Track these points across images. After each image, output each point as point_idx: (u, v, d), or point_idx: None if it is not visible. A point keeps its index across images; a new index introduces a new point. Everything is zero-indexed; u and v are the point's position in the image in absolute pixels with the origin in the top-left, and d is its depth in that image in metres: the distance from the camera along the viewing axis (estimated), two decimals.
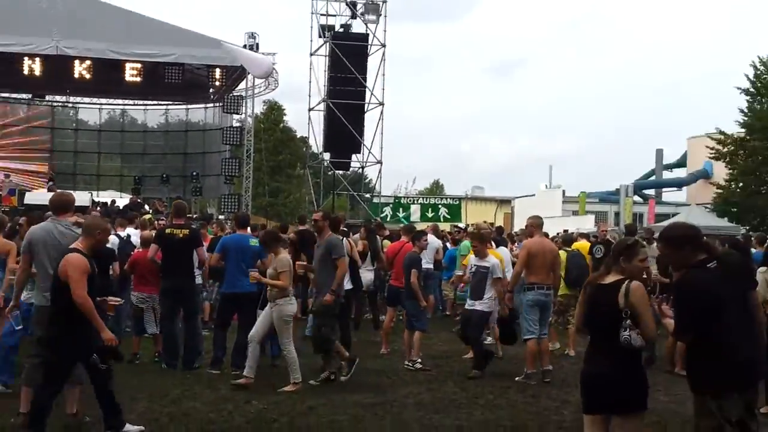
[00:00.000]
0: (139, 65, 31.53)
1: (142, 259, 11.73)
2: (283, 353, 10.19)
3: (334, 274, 10.45)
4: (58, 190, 14.76)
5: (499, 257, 12.02)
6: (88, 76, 31.46)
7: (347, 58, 34.92)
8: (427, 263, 14.85)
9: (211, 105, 37.93)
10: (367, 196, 40.68)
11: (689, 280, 5.40)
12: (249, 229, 12.55)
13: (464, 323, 11.66)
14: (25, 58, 30.40)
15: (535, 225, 11.55)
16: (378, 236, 16.41)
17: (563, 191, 51.23)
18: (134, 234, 14.45)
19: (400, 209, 35.30)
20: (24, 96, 38.66)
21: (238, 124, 35.22)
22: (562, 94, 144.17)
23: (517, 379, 10.92)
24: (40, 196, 30.81)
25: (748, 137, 37.95)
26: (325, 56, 36.34)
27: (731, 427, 5.21)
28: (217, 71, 32.51)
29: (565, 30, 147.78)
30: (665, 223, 26.57)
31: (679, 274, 5.58)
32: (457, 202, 37.67)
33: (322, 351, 10.62)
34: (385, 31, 36.97)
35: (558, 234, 18.92)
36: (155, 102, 39.18)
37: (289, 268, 10.02)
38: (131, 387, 9.28)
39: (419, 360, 11.78)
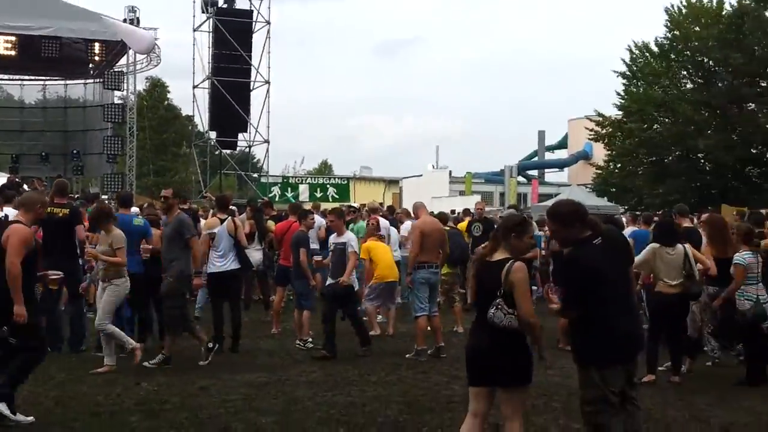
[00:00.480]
0: (13, 38, 30.35)
1: None
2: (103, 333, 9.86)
3: (184, 253, 10.18)
4: None
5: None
6: None
7: (231, 35, 34.40)
8: (312, 243, 14.81)
9: (91, 81, 36.76)
10: (255, 175, 40.28)
11: (578, 256, 5.52)
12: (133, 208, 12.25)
13: (329, 301, 11.50)
14: None
15: (420, 206, 11.98)
16: (265, 215, 16.25)
17: (450, 172, 51.90)
18: (12, 213, 13.90)
19: (289, 189, 35.16)
20: None
21: (119, 101, 34.22)
22: (448, 75, 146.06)
23: (407, 356, 11.04)
24: None
25: (625, 120, 39.25)
26: (209, 32, 35.71)
27: (614, 397, 5.41)
28: (96, 46, 31.60)
29: (453, 10, 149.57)
30: (549, 202, 27.26)
31: (568, 250, 5.72)
32: (346, 182, 37.75)
33: (174, 333, 10.36)
34: (269, 8, 36.66)
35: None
36: (32, 77, 37.71)
37: (125, 244, 9.76)
38: None
39: (310, 339, 11.77)
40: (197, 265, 10.42)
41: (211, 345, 10.43)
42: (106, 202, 19.18)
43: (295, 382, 9.31)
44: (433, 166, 53.33)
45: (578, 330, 5.58)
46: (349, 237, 11.43)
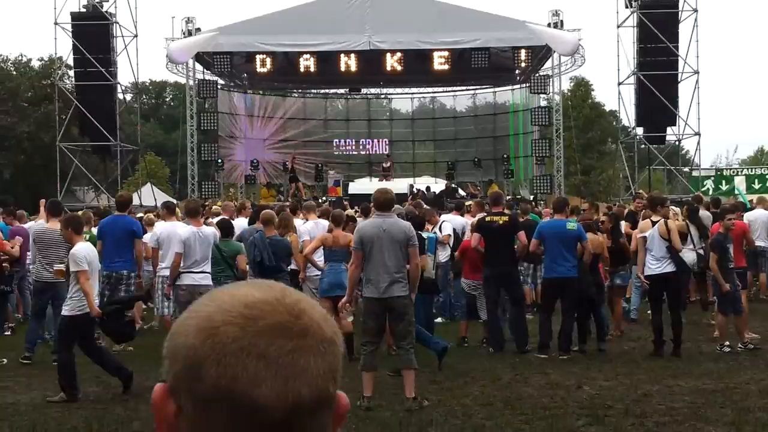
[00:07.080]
0: (446, 53, 32.33)
1: (467, 249, 12.13)
2: None
3: None
4: (381, 187, 15.58)
5: None
6: (399, 67, 32.73)
7: (656, 27, 33.40)
8: (761, 240, 14.36)
9: (518, 86, 37.93)
10: (686, 169, 38.83)
11: None
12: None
13: None
14: (342, 55, 32.19)
15: None
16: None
17: None
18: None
19: (723, 182, 33.32)
20: (341, 90, 40.83)
21: (545, 104, 34.93)
22: None
23: None
24: (363, 185, 32.69)
25: None
26: (633, 27, 35.04)
27: None
28: (522, 52, 32.40)
29: None
30: None
31: None
32: None
33: None
34: None
35: None
36: (463, 87, 39.88)
37: None
38: None
39: (727, 343, 11.11)
40: None
41: None
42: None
43: (744, 391, 8.79)
44: None
45: None
46: None
